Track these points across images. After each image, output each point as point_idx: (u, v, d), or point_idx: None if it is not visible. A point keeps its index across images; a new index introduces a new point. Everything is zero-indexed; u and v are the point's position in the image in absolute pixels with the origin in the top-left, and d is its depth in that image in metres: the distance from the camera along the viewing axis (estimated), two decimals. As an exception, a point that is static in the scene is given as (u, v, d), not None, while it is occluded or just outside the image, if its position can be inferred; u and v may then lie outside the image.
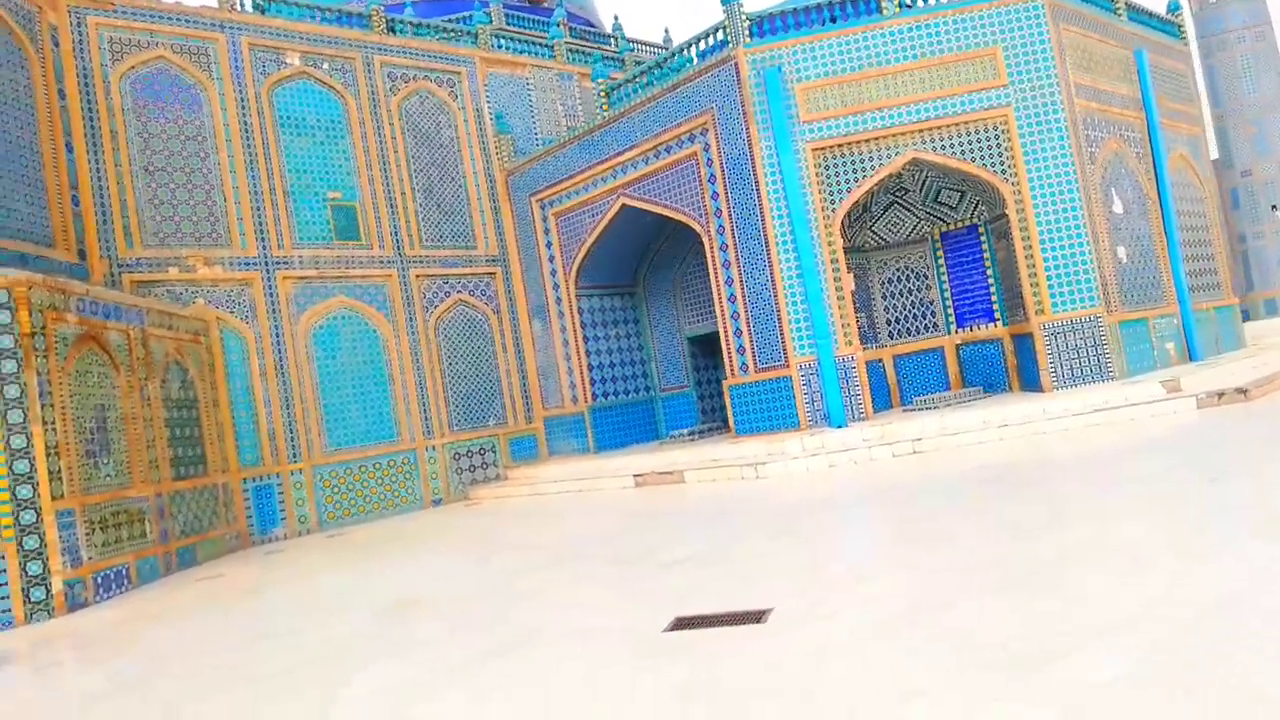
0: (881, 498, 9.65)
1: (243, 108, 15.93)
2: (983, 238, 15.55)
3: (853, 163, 14.39)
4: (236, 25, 16.02)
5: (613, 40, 23.36)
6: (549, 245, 18.51)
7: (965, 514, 7.80)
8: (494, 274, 18.95)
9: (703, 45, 15.15)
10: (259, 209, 15.89)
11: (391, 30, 18.26)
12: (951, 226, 15.94)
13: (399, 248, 17.51)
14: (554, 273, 18.50)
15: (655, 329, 19.42)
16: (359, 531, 14.99)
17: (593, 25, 25.80)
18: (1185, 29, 18.80)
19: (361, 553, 12.14)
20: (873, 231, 16.12)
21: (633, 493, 14.08)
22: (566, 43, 21.06)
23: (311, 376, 16.16)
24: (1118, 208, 15.03)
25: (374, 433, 16.78)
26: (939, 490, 9.44)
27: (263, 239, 15.87)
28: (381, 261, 17.25)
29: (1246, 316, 48.23)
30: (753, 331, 14.93)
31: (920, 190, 15.64)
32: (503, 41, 19.97)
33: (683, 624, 5.43)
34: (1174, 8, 18.79)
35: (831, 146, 14.32)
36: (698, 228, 15.57)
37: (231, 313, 15.44)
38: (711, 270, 15.40)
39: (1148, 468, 8.54)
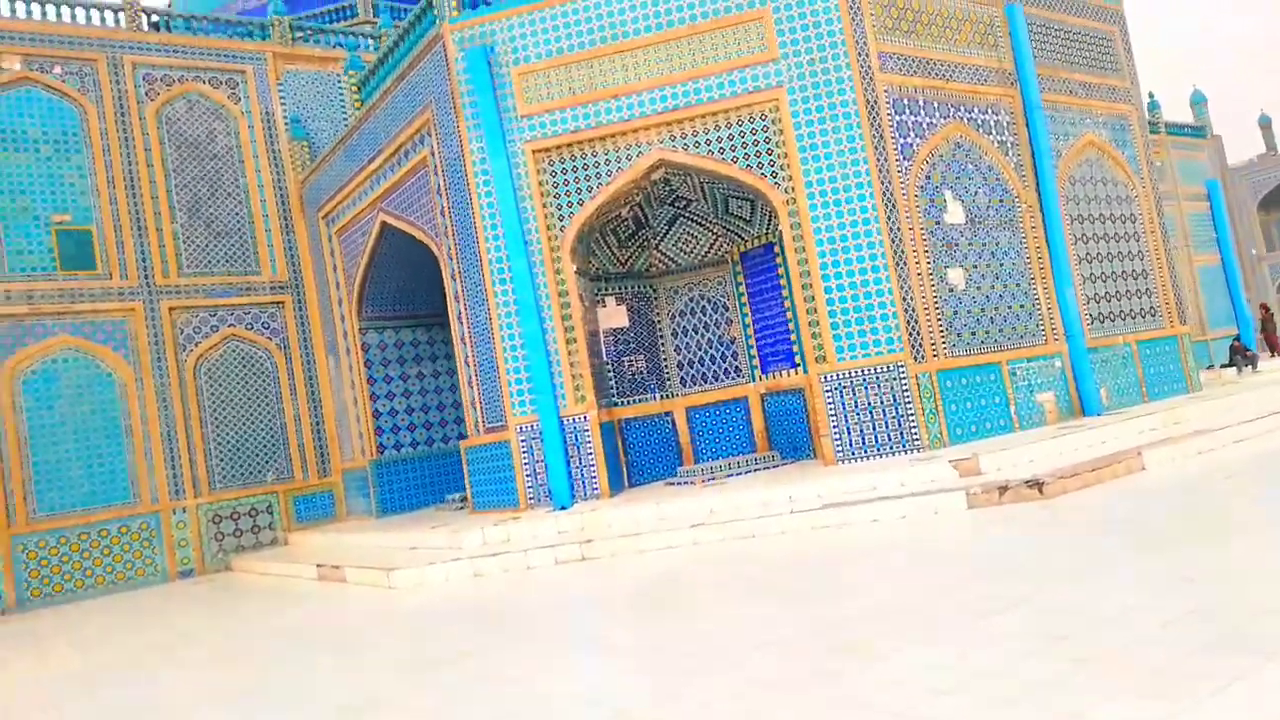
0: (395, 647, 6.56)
1: (-65, 121, 13.85)
2: (779, 259, 12.05)
3: (585, 167, 11.16)
4: (-69, 27, 13.97)
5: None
6: (335, 269, 15.84)
7: None
8: (282, 303, 16.38)
9: (416, 23, 12.16)
10: (-49, 238, 13.77)
11: (153, 26, 15.90)
12: (749, 245, 12.47)
13: (147, 277, 15.12)
14: (340, 302, 15.81)
15: (473, 365, 16.45)
16: (46, 618, 12.64)
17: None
18: (1123, -19, 14.67)
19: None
20: (660, 252, 12.79)
21: (311, 586, 11.27)
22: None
23: (18, 431, 13.92)
24: (955, 216, 11.31)
25: (102, 494, 14.43)
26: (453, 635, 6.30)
27: (-45, 272, 13.74)
28: (122, 293, 14.90)
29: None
30: (480, 381, 11.89)
31: (706, 200, 12.25)
32: (310, 35, 17.39)
33: None
34: (1104, -46, 14.69)
35: (557, 147, 11.13)
36: (436, 251, 12.61)
37: (-91, 359, 13.37)
38: (448, 303, 12.42)
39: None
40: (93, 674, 7.75)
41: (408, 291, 15.60)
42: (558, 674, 5.28)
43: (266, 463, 15.87)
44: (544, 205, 11.16)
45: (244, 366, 15.91)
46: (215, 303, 15.70)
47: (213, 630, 9.31)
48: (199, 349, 15.46)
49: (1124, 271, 13.42)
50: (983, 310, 11.34)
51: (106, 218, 14.98)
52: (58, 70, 14.88)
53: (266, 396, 16.04)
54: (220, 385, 15.63)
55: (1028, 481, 8.25)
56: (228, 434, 15.57)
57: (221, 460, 15.45)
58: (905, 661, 4.20)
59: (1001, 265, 11.70)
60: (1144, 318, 13.56)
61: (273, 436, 15.99)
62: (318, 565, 11.49)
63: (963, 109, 11.66)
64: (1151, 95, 25.06)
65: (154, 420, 14.87)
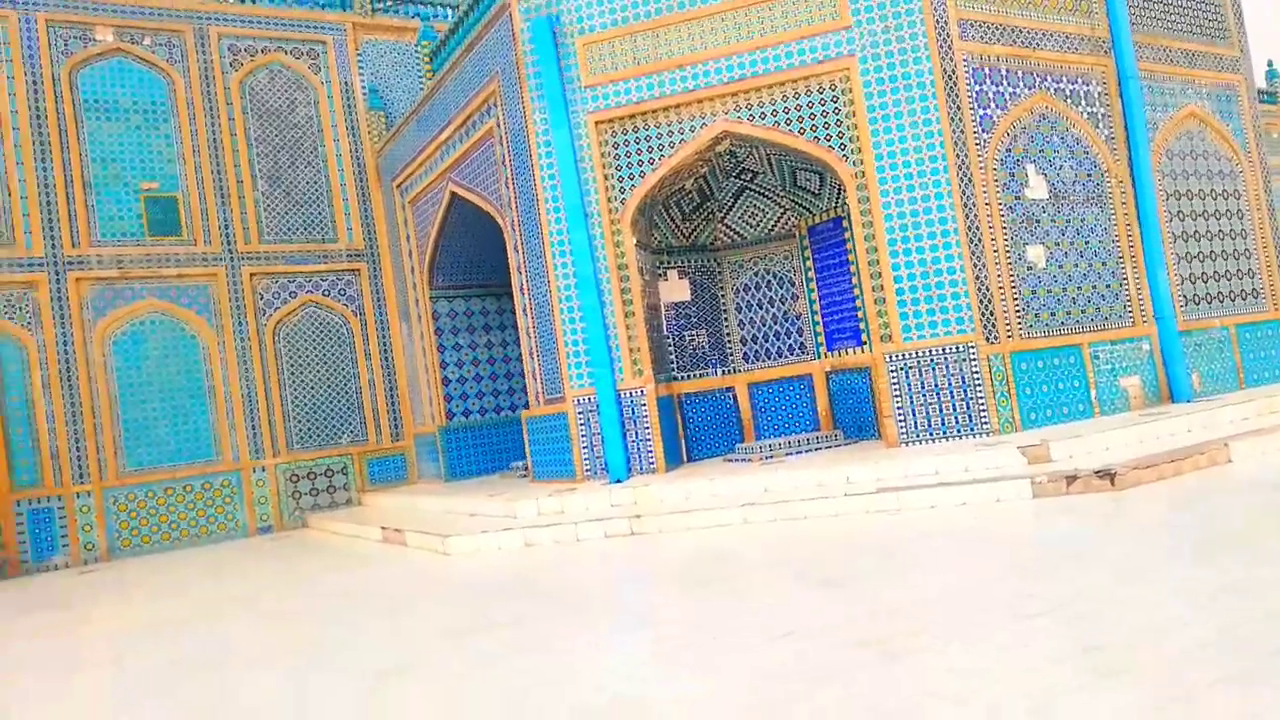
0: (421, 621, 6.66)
1: (35, 92, 14.45)
2: (848, 234, 11.66)
3: (648, 139, 10.98)
4: (31, 1, 14.54)
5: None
6: (408, 239, 16.08)
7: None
8: (358, 271, 16.72)
9: (484, -7, 12.12)
10: (49, 204, 14.41)
11: (238, -2, 16.27)
12: (818, 219, 12.11)
13: (229, 243, 15.61)
14: (413, 270, 16.05)
15: (542, 335, 16.53)
16: (133, 567, 13.32)
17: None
18: (1238, -63, 13.64)
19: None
20: (726, 225, 12.53)
21: (375, 548, 11.55)
22: None
23: (109, 389, 14.60)
24: (1037, 191, 10.75)
25: (186, 451, 15.06)
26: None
27: (52, 237, 14.39)
28: (206, 259, 15.42)
29: None
30: (540, 352, 11.92)
31: (773, 172, 11.93)
32: (389, 5, 17.54)
33: None
34: (1217, -92, 13.65)
35: (621, 118, 10.97)
36: (501, 223, 12.64)
37: (11, 320, 14.08)
38: (511, 274, 12.46)
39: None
40: (166, 625, 8.08)
41: (476, 261, 15.73)
42: (588, 646, 5.29)
43: (342, 426, 16.31)
44: (605, 177, 11.03)
45: (321, 332, 16.33)
46: (294, 269, 16.12)
47: (283, 587, 9.65)
48: (278, 314, 15.91)
49: (1224, 251, 12.59)
50: (1064, 290, 10.79)
51: (192, 185, 15.49)
52: (147, 41, 15.38)
53: (342, 362, 16.44)
54: (298, 350, 16.08)
55: (1098, 472, 7.82)
56: (305, 397, 16.03)
57: (299, 422, 15.94)
58: (927, 662, 4.01)
59: (1087, 243, 11.10)
60: (1245, 300, 12.72)
61: (348, 400, 16.40)
62: (382, 528, 11.77)
63: (1049, 79, 11.04)
64: (1271, 64, 23.37)
65: (235, 382, 15.41)
